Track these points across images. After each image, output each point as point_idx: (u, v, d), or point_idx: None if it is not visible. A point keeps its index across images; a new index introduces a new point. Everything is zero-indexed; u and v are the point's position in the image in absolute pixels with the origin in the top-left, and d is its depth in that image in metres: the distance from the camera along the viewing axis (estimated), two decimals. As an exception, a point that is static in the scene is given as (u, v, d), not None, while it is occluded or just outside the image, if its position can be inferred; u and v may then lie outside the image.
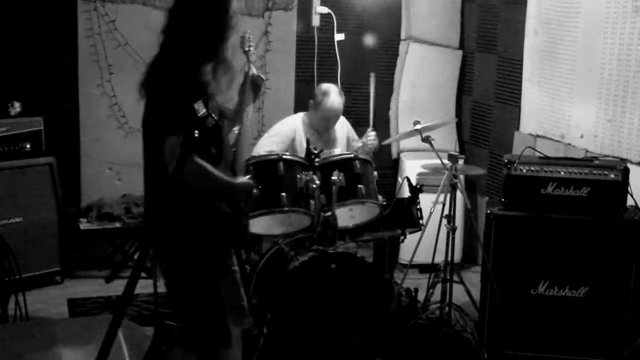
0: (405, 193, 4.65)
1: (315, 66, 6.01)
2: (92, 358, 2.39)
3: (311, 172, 4.05)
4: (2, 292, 4.25)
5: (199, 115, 3.11)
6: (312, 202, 4.00)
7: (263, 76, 3.65)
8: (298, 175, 4.02)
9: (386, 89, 6.27)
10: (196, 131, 3.09)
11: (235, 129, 3.42)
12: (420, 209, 4.52)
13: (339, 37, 6.01)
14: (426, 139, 4.50)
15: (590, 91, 4.80)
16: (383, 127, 6.28)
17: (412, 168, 5.60)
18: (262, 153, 4.38)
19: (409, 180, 4.67)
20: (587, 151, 4.81)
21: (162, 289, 3.32)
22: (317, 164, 4.11)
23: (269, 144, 4.62)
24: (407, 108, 6.18)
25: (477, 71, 6.08)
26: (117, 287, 5.23)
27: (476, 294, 4.51)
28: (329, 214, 4.05)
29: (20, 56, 5.45)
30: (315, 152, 4.12)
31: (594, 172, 4.22)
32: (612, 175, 4.20)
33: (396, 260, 5.19)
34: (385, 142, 5.54)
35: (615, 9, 4.58)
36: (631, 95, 4.49)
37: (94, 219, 5.55)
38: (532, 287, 4.28)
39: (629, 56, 4.49)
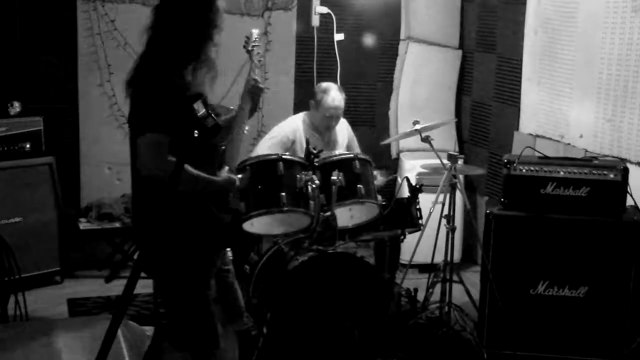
0: (405, 193, 4.65)
1: (314, 66, 6.01)
2: (92, 358, 2.40)
3: (311, 172, 4.05)
4: (2, 292, 4.25)
5: (198, 115, 3.11)
6: (311, 202, 4.01)
7: (262, 84, 3.53)
8: (298, 175, 4.02)
9: (386, 89, 6.27)
10: (196, 131, 3.11)
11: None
12: (419, 209, 4.53)
13: (338, 37, 6.01)
14: (426, 139, 4.50)
15: (589, 91, 4.80)
16: (383, 126, 6.31)
17: (411, 168, 5.60)
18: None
19: (408, 180, 4.68)
20: (586, 151, 4.81)
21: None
22: (316, 164, 4.11)
23: (268, 146, 4.61)
24: (406, 108, 6.18)
25: (476, 71, 6.08)
26: (117, 287, 5.23)
27: (476, 294, 4.52)
28: (328, 213, 4.05)
29: (20, 56, 5.45)
30: (315, 152, 4.12)
31: (594, 172, 4.22)
32: (612, 175, 4.20)
33: (397, 261, 5.19)
34: (385, 141, 5.55)
35: (615, 8, 4.58)
36: (630, 95, 4.49)
37: (93, 219, 5.55)
38: (531, 287, 4.28)
39: (628, 56, 4.49)
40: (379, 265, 4.67)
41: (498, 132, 5.81)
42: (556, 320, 4.27)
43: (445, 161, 4.50)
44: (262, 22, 5.87)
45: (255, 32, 3.61)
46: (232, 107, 3.45)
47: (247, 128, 3.52)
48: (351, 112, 5.93)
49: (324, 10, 5.95)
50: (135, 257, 5.40)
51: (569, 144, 4.99)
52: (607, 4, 4.63)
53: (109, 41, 5.57)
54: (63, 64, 5.59)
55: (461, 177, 4.95)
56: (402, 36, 6.22)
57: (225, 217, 3.20)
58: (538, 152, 4.59)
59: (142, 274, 3.17)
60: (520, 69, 5.47)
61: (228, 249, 3.40)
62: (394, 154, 6.23)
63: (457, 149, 6.07)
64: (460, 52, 6.22)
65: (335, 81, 5.84)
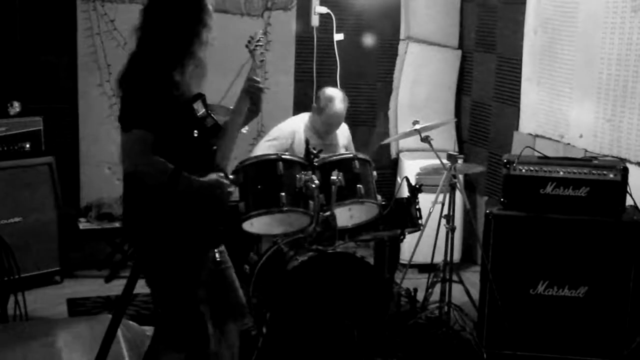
0: (405, 193, 4.65)
1: (314, 66, 6.01)
2: (92, 358, 2.40)
3: (310, 172, 4.05)
4: (2, 292, 4.25)
5: (198, 115, 3.12)
6: (311, 201, 4.01)
7: (262, 84, 3.42)
8: (297, 175, 4.02)
9: (385, 89, 6.27)
10: (195, 131, 3.12)
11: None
12: (419, 209, 4.53)
13: (338, 37, 6.01)
14: (425, 139, 4.50)
15: (589, 91, 4.80)
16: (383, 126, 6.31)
17: (411, 168, 5.60)
18: None
19: (408, 180, 4.67)
20: (586, 151, 4.81)
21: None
22: (316, 164, 4.11)
23: (267, 147, 4.62)
24: (406, 108, 6.18)
25: (476, 71, 6.08)
26: (117, 287, 5.23)
27: (475, 294, 4.52)
28: (328, 213, 4.05)
29: (20, 56, 5.45)
30: (315, 151, 4.13)
31: (593, 172, 4.22)
32: (611, 175, 4.20)
33: (397, 261, 5.19)
34: (385, 141, 5.55)
35: (615, 8, 4.58)
36: (630, 94, 4.49)
37: (93, 219, 5.55)
38: (531, 287, 4.28)
39: (628, 56, 4.49)
40: (378, 265, 4.67)
41: (498, 132, 5.81)
42: (556, 320, 4.27)
43: (444, 161, 4.50)
44: (261, 22, 5.87)
45: (260, 32, 3.56)
46: (231, 107, 3.45)
47: (245, 129, 3.50)
48: (351, 112, 5.93)
49: (324, 10, 5.95)
50: (134, 256, 5.40)
51: (568, 144, 4.99)
52: (607, 4, 4.63)
53: (109, 41, 5.57)
54: (63, 64, 5.59)
55: (461, 177, 4.96)
56: (401, 36, 6.22)
57: (219, 217, 3.18)
58: (538, 152, 4.59)
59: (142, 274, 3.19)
60: (520, 68, 5.47)
61: (222, 246, 3.38)
62: (393, 154, 6.23)
63: (456, 149, 6.07)
64: (459, 52, 6.22)
65: (334, 81, 5.85)
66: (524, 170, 4.29)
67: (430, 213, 4.55)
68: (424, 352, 4.41)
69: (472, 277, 5.39)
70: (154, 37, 3.05)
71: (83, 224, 5.51)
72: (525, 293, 4.28)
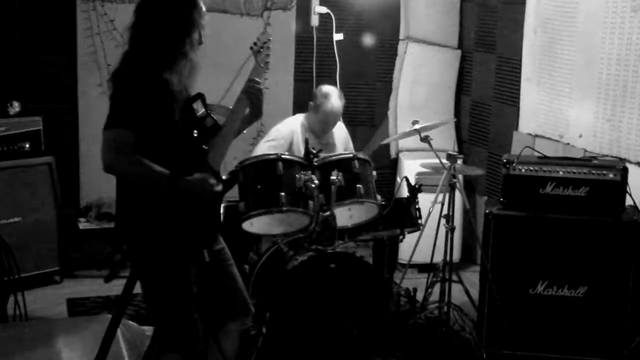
0: (404, 193, 4.65)
1: (314, 66, 6.01)
2: (92, 358, 2.40)
3: (310, 172, 4.05)
4: (2, 292, 4.26)
5: (197, 115, 3.12)
6: (310, 201, 4.01)
7: (262, 85, 3.34)
8: (297, 175, 4.02)
9: (385, 88, 6.27)
10: (195, 131, 3.12)
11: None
12: (419, 209, 4.53)
13: (337, 37, 6.01)
14: (425, 139, 4.50)
15: (589, 91, 4.80)
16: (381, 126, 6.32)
17: (410, 168, 5.61)
18: None
19: (407, 180, 4.68)
20: (585, 151, 4.81)
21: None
22: (316, 164, 4.11)
23: (267, 148, 4.62)
24: (405, 108, 6.18)
25: (476, 71, 6.08)
26: (116, 287, 5.19)
27: (475, 294, 4.52)
28: (327, 213, 4.05)
29: (20, 56, 5.45)
30: (314, 151, 4.13)
31: (593, 171, 4.22)
32: (611, 175, 4.20)
33: (396, 261, 5.19)
34: (384, 141, 5.56)
35: (614, 8, 4.58)
36: (630, 94, 4.49)
37: (93, 219, 5.56)
38: (530, 287, 4.28)
39: (627, 55, 4.49)
40: (376, 265, 4.67)
41: (497, 132, 5.81)
42: (555, 320, 4.27)
43: (444, 161, 4.50)
44: (261, 22, 5.87)
45: (268, 34, 3.50)
46: (231, 107, 3.44)
47: (244, 131, 3.48)
48: (350, 112, 5.93)
49: (323, 10, 5.96)
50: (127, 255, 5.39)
51: (568, 143, 4.99)
52: (607, 3, 4.63)
53: (109, 41, 5.57)
54: (62, 63, 5.59)
55: (460, 177, 4.95)
56: (401, 36, 6.22)
57: (205, 217, 3.15)
58: (537, 152, 4.59)
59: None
60: (520, 68, 5.47)
61: (221, 244, 3.37)
62: (393, 154, 6.23)
63: (456, 149, 6.07)
64: (459, 52, 6.22)
65: (334, 81, 5.85)
66: (523, 170, 4.29)
67: (429, 213, 4.56)
68: (424, 352, 4.41)
69: (472, 277, 5.39)
70: (144, 37, 3.05)
71: (83, 224, 5.51)
72: (525, 293, 4.28)
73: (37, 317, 4.66)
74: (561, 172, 4.25)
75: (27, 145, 5.19)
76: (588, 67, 4.80)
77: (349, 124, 5.21)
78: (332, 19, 5.98)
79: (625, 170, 4.20)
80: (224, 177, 3.17)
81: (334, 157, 4.24)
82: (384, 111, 6.29)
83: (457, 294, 4.57)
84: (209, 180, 3.04)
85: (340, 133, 4.98)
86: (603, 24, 4.66)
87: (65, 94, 5.61)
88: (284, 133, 4.78)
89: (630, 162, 4.42)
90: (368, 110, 6.30)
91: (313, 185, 3.97)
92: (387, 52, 6.25)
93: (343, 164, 4.16)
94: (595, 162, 4.31)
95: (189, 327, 3.14)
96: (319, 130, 4.82)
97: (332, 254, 4.05)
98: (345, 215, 4.31)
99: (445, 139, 6.02)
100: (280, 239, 4.34)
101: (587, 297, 4.23)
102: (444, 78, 6.23)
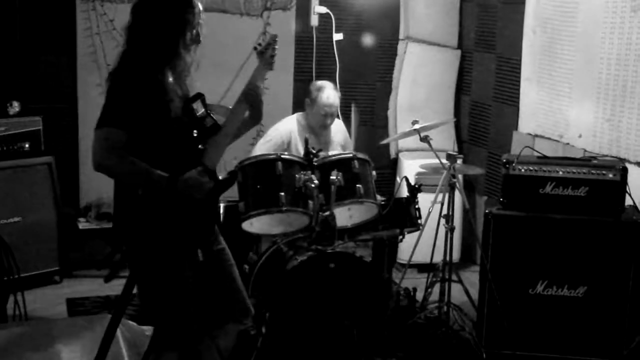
0: (404, 193, 4.66)
1: (314, 66, 6.01)
2: (92, 358, 2.40)
3: (310, 172, 4.05)
4: (1, 292, 4.25)
5: (197, 115, 3.12)
6: (310, 201, 4.01)
7: (262, 89, 3.35)
8: (297, 175, 4.02)
9: (385, 88, 6.28)
10: (195, 131, 3.12)
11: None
12: (418, 209, 4.53)
13: (337, 37, 6.01)
14: (424, 139, 4.50)
15: (588, 91, 4.80)
16: (383, 127, 6.31)
17: (410, 168, 5.61)
18: None
19: (407, 179, 4.68)
20: (585, 151, 4.81)
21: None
22: (315, 164, 4.11)
23: (265, 149, 4.62)
24: (405, 108, 6.18)
25: (475, 71, 6.09)
26: (116, 287, 5.20)
27: (474, 294, 4.52)
28: (327, 213, 4.05)
29: (19, 56, 5.45)
30: (314, 151, 4.13)
31: (593, 171, 4.22)
32: (611, 175, 4.20)
33: (395, 260, 5.19)
34: (384, 141, 5.55)
35: (614, 8, 4.58)
36: (629, 94, 4.49)
37: (92, 219, 5.55)
38: (530, 287, 4.28)
39: (627, 55, 4.49)
40: (376, 265, 4.67)
41: (497, 132, 5.81)
42: (555, 320, 4.27)
43: (444, 161, 4.50)
44: (260, 22, 5.87)
45: (273, 35, 3.46)
46: (231, 107, 3.43)
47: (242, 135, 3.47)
48: (349, 112, 5.92)
49: (323, 10, 5.96)
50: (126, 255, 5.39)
51: (567, 143, 4.99)
52: (607, 3, 4.63)
53: (108, 41, 5.56)
54: (62, 63, 5.59)
55: (460, 176, 4.96)
56: (401, 36, 6.22)
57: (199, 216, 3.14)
58: (537, 151, 4.60)
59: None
60: (520, 68, 5.47)
61: (221, 244, 3.37)
62: (392, 154, 6.23)
63: (456, 149, 6.07)
64: (459, 51, 6.22)
65: (334, 81, 5.84)
66: (523, 170, 4.29)
67: (429, 213, 4.55)
68: (423, 352, 4.41)
69: (472, 276, 5.39)
70: (139, 37, 3.06)
71: (82, 224, 5.51)
72: (525, 293, 4.28)
73: (36, 317, 4.66)
74: (561, 172, 4.25)
75: (27, 145, 5.19)
76: (588, 67, 4.80)
77: (348, 124, 5.20)
78: (331, 18, 5.97)
79: (624, 170, 4.20)
80: (220, 177, 3.17)
81: (333, 157, 4.25)
82: (384, 111, 6.29)
83: (456, 293, 4.57)
84: (202, 178, 3.02)
85: (338, 131, 4.98)
86: (603, 23, 4.66)
87: (65, 93, 5.61)
88: (281, 133, 4.78)
89: (630, 162, 4.42)
90: (368, 111, 6.30)
91: (313, 185, 3.97)
92: (387, 52, 6.25)
93: (343, 164, 4.16)
94: (595, 162, 4.31)
95: (187, 326, 3.14)
96: (319, 125, 4.80)
97: (331, 253, 4.05)
98: (345, 215, 4.31)
99: (445, 138, 6.03)
100: (280, 239, 4.34)
101: (586, 297, 4.23)
102: (443, 78, 6.23)
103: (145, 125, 2.98)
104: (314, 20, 5.98)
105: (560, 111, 5.07)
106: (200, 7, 3.13)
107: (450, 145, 6.08)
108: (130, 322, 4.11)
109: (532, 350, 4.30)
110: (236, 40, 5.67)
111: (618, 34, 4.55)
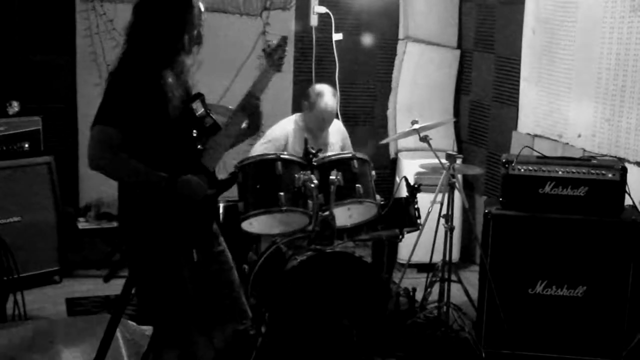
0: (403, 192, 4.66)
1: (313, 66, 6.01)
2: (91, 357, 2.40)
3: (309, 172, 4.05)
4: (1, 292, 4.26)
5: (197, 114, 3.12)
6: (310, 201, 4.01)
7: (261, 101, 3.30)
8: (296, 175, 4.02)
9: (384, 88, 6.28)
10: (195, 130, 3.12)
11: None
12: (418, 209, 4.53)
13: (337, 37, 6.01)
14: (424, 139, 4.50)
15: (588, 90, 4.80)
16: (382, 127, 6.32)
17: (410, 167, 5.61)
18: None
19: (406, 179, 4.68)
20: (584, 150, 4.81)
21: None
22: (315, 164, 4.11)
23: (263, 150, 4.62)
24: (405, 108, 6.18)
25: (475, 71, 6.09)
26: (116, 287, 5.20)
27: (474, 294, 4.52)
28: (327, 213, 4.06)
29: (19, 55, 5.45)
30: (313, 151, 4.13)
31: (592, 171, 4.22)
32: (610, 175, 4.20)
33: (395, 260, 5.20)
34: (383, 141, 5.55)
35: (613, 8, 4.58)
36: (629, 94, 4.49)
37: (92, 218, 5.55)
38: (529, 287, 4.28)
39: (626, 55, 4.50)
40: (375, 265, 4.67)
41: (496, 132, 5.81)
42: (554, 320, 4.27)
43: (443, 161, 4.50)
44: (260, 21, 5.87)
45: (284, 38, 3.45)
46: (231, 107, 3.43)
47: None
48: (350, 112, 5.94)
49: (323, 10, 5.95)
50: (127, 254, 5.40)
51: (567, 143, 4.99)
52: (606, 3, 4.63)
53: (108, 41, 5.57)
54: (62, 63, 5.59)
55: (459, 176, 4.96)
56: (400, 36, 6.22)
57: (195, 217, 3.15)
58: (536, 151, 4.60)
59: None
60: (519, 68, 5.47)
61: (221, 246, 3.36)
62: (392, 154, 6.23)
63: (455, 149, 6.07)
64: (458, 51, 6.22)
65: (333, 81, 5.85)
66: (522, 170, 4.29)
67: (429, 213, 4.56)
68: (423, 352, 4.41)
69: (471, 276, 5.39)
70: (139, 37, 3.06)
71: (82, 224, 5.51)
72: (524, 292, 4.28)
73: (36, 316, 4.66)
74: (560, 172, 4.26)
75: (27, 145, 5.19)
76: (587, 67, 4.80)
77: (348, 124, 5.21)
78: (331, 18, 5.97)
79: (624, 170, 4.21)
80: (219, 178, 3.17)
81: (333, 157, 4.25)
82: (384, 111, 6.29)
83: (456, 293, 4.58)
84: (201, 183, 3.04)
85: (336, 132, 4.97)
86: (602, 24, 4.66)
87: (64, 93, 5.61)
88: (278, 134, 4.77)
89: (629, 162, 4.42)
90: (367, 110, 6.30)
91: (312, 185, 3.97)
92: (386, 52, 6.25)
93: (342, 164, 4.16)
94: (594, 161, 4.32)
95: (184, 326, 3.14)
96: (316, 128, 4.81)
97: (331, 253, 4.05)
98: (345, 215, 4.31)
99: (444, 138, 6.03)
100: (280, 239, 4.34)
101: (586, 296, 4.23)
102: (443, 78, 6.23)
103: (144, 125, 2.98)
104: (314, 20, 5.98)
105: (560, 111, 5.07)
106: (202, 7, 3.13)
107: (450, 145, 6.08)
108: (130, 322, 4.11)
109: (531, 350, 4.30)
110: (235, 40, 5.68)
111: (617, 34, 4.56)
